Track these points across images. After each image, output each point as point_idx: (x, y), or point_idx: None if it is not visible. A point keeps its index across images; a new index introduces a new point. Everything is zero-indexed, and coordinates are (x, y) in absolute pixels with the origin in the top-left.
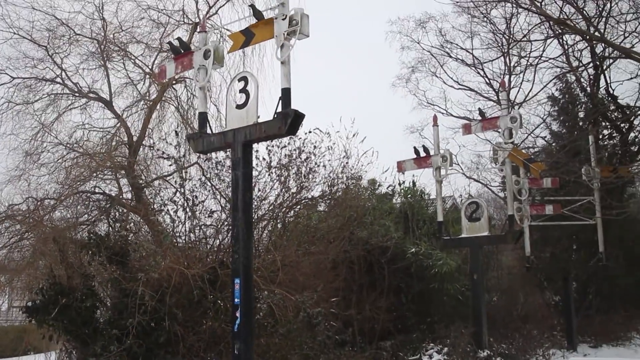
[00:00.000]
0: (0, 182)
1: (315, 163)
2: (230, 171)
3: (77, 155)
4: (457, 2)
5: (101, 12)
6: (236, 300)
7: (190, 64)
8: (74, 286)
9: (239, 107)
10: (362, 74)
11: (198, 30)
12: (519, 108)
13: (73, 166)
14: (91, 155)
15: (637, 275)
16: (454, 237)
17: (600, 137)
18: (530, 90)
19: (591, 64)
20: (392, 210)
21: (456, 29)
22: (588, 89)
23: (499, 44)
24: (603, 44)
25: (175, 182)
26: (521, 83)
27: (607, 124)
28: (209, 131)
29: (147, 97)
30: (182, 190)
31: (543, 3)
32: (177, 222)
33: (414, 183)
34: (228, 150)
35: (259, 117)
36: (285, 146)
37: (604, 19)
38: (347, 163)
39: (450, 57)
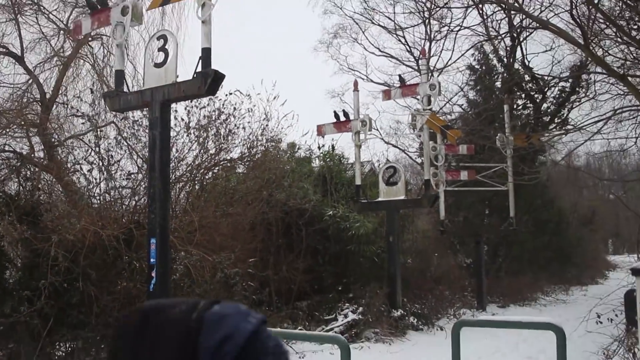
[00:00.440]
0: None
1: (235, 125)
2: (147, 131)
3: None
4: None
5: None
6: (152, 260)
7: (108, 21)
8: None
9: (157, 65)
10: (286, 38)
11: None
12: (438, 76)
13: None
14: (0, 112)
15: (544, 239)
16: (371, 200)
17: (515, 106)
18: (449, 59)
19: (508, 35)
20: (311, 173)
21: None
22: (505, 59)
23: (421, 10)
24: (521, 15)
25: (90, 140)
26: (441, 51)
27: (522, 94)
28: (126, 90)
29: (61, 54)
30: (97, 150)
31: None
32: (92, 182)
33: (333, 147)
34: (145, 109)
35: (177, 76)
36: (204, 107)
37: None
38: (267, 126)
39: (373, 22)
